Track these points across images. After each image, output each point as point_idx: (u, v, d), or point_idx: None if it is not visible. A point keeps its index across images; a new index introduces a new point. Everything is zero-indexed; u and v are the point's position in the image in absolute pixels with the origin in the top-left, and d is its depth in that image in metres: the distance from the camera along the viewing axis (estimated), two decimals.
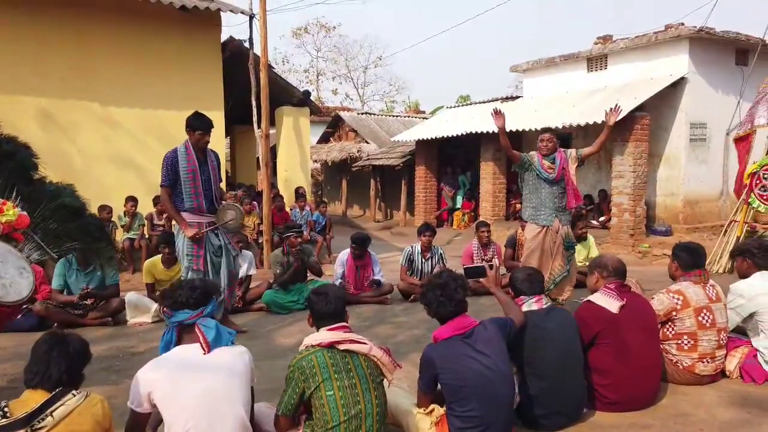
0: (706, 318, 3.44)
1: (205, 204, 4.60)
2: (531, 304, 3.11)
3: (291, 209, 9.77)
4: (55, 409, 1.99)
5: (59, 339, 2.15)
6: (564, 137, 11.33)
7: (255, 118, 9.69)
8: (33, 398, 2.02)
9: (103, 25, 7.97)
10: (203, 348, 2.30)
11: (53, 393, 2.03)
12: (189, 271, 4.56)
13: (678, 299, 3.47)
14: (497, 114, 4.92)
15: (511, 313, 3.00)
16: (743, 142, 7.63)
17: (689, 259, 3.60)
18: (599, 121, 9.39)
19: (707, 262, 7.55)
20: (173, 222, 8.31)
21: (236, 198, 8.92)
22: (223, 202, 4.78)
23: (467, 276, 3.26)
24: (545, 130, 5.25)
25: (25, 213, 3.47)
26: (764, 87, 7.77)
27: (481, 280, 3.27)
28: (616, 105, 5.06)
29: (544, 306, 3.12)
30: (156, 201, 8.24)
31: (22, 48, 7.49)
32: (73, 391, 2.07)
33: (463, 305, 2.76)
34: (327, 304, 2.55)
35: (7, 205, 3.36)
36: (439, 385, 2.70)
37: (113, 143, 8.07)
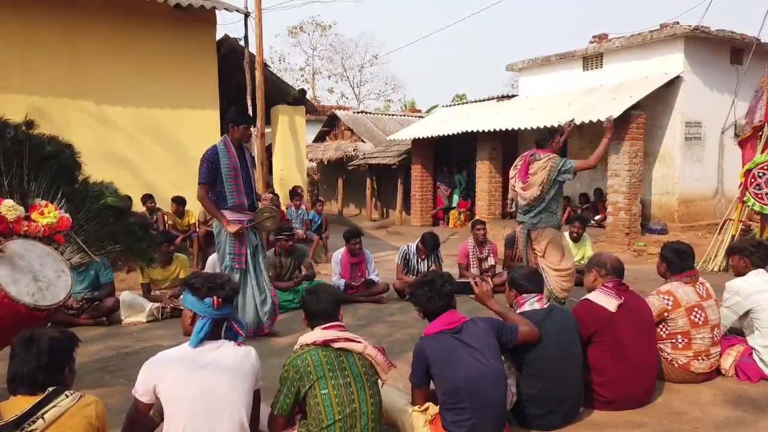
0: (698, 316, 3.44)
1: (247, 202, 4.58)
2: (533, 303, 3.10)
3: (287, 208, 9.75)
4: (47, 411, 1.95)
5: (24, 341, 2.07)
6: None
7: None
8: (21, 402, 1.98)
9: (95, 23, 7.91)
10: (241, 340, 2.40)
11: (46, 394, 1.99)
12: (231, 270, 4.53)
13: (668, 300, 3.47)
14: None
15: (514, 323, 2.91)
16: (750, 140, 7.64)
17: (678, 263, 3.60)
18: (595, 120, 9.41)
19: (702, 261, 7.66)
20: (167, 221, 8.33)
21: (273, 200, 8.92)
22: (264, 202, 4.78)
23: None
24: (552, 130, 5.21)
25: (67, 215, 3.46)
26: (761, 86, 7.78)
27: (471, 296, 3.13)
28: (609, 118, 4.92)
29: (546, 305, 3.11)
30: (145, 199, 8.17)
31: (11, 46, 7.42)
32: (67, 392, 2.03)
33: (451, 299, 2.77)
34: (318, 303, 2.56)
35: (48, 207, 3.35)
36: (432, 383, 2.69)
37: (107, 142, 8.02)
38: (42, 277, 3.15)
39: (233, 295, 2.43)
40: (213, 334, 2.34)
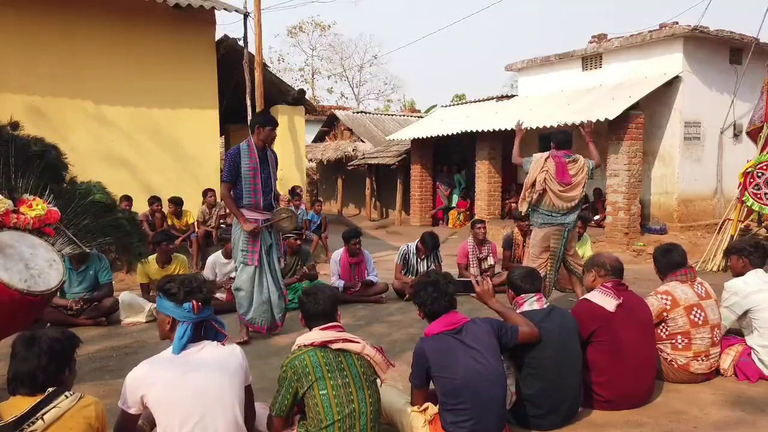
0: (697, 316, 3.44)
1: (263, 202, 4.65)
2: (532, 303, 3.10)
3: None
4: (46, 412, 1.94)
5: (25, 341, 2.06)
6: None
7: (250, 117, 9.65)
8: (21, 402, 1.97)
9: (94, 22, 7.91)
10: (223, 339, 2.41)
11: (46, 394, 1.98)
12: (243, 266, 4.63)
13: (666, 300, 3.47)
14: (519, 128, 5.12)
15: (515, 324, 2.91)
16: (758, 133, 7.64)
17: (664, 260, 3.64)
18: (594, 120, 9.42)
19: (701, 261, 7.66)
20: (175, 219, 8.33)
21: (288, 203, 9.01)
22: (282, 203, 4.82)
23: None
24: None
25: (55, 209, 3.56)
26: (764, 86, 7.78)
27: (472, 294, 3.11)
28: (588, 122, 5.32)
29: (545, 305, 3.11)
30: (151, 201, 8.19)
31: (10, 46, 7.43)
32: (67, 393, 2.02)
33: (454, 300, 2.77)
34: (316, 304, 2.55)
35: (36, 200, 3.46)
36: (431, 383, 2.69)
37: (106, 142, 8.02)
38: (34, 265, 3.22)
39: (211, 296, 2.41)
40: (194, 336, 2.32)
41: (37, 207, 3.43)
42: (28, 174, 3.58)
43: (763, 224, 7.49)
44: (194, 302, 2.30)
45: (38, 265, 3.24)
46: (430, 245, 6.33)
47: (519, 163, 5.35)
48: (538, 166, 4.99)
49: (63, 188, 3.78)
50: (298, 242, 6.19)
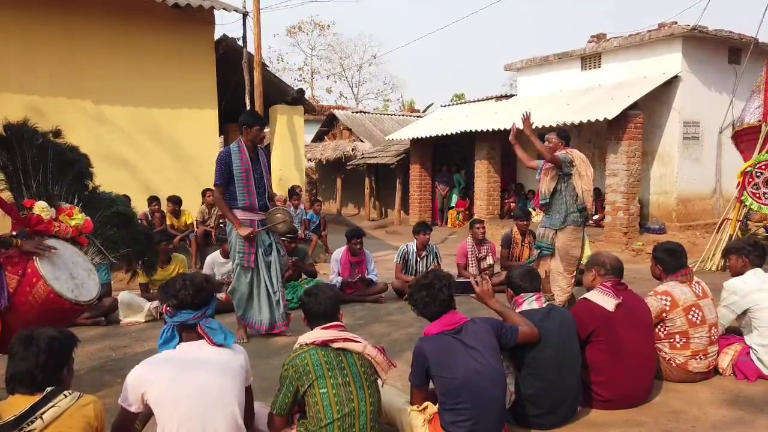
0: (695, 315, 3.45)
1: (258, 202, 4.63)
2: (532, 302, 3.10)
3: None
4: (45, 411, 1.94)
5: (23, 340, 2.06)
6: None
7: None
8: (19, 401, 1.97)
9: (94, 22, 7.90)
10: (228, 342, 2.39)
11: (44, 394, 1.98)
12: (240, 267, 4.62)
13: (666, 300, 3.47)
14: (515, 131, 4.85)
15: (514, 323, 2.91)
16: (746, 135, 7.64)
17: (673, 262, 3.61)
18: (593, 120, 9.43)
19: (700, 260, 7.67)
20: (165, 221, 8.32)
21: (284, 202, 8.99)
22: (278, 203, 4.81)
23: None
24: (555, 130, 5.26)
25: (89, 218, 3.63)
26: (758, 85, 7.79)
27: (471, 295, 3.13)
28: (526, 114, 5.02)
29: (544, 305, 3.11)
30: (150, 201, 8.19)
31: (9, 45, 7.42)
32: (66, 392, 2.02)
33: (448, 304, 2.76)
34: (317, 304, 2.56)
35: (74, 209, 3.52)
36: (431, 382, 2.70)
37: (106, 142, 8.01)
38: (76, 274, 3.29)
39: (189, 303, 2.30)
40: (193, 335, 2.33)
41: (76, 216, 3.47)
42: (61, 182, 3.65)
43: (755, 222, 7.50)
44: (164, 307, 2.33)
45: (80, 275, 3.30)
46: (423, 227, 6.41)
47: (557, 162, 4.80)
48: (587, 164, 4.82)
49: (88, 196, 3.86)
50: (293, 245, 6.19)
